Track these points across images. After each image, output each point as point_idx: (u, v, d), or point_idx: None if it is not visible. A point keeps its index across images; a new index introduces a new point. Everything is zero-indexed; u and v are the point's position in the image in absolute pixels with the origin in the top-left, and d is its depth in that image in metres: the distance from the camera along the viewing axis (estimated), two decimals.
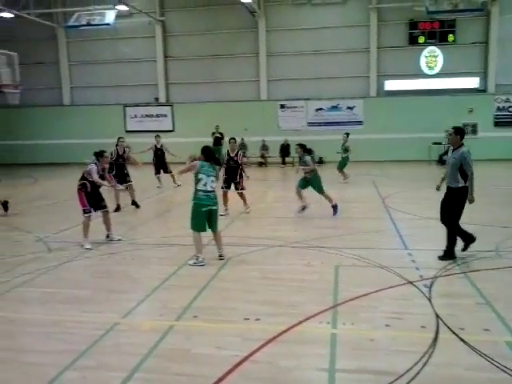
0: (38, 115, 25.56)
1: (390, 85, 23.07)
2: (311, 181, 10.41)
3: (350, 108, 23.49)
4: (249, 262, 7.16)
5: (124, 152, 12.22)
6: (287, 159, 22.77)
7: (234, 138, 10.97)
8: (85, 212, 8.32)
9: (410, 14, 22.06)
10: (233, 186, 10.78)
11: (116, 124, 24.98)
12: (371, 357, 4.24)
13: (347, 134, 16.23)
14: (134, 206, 11.81)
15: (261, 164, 23.13)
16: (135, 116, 25.36)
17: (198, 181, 6.98)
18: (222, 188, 10.51)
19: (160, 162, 15.28)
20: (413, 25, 22.54)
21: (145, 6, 22.55)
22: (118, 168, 12.01)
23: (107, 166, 9.16)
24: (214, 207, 7.09)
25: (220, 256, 7.22)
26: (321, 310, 5.21)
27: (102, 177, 8.59)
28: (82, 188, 8.30)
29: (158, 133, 16.95)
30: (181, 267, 6.90)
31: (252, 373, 4.02)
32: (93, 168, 8.31)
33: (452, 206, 6.88)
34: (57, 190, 14.88)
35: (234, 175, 10.66)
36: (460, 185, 6.80)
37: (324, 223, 9.83)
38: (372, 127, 22.70)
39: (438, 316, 4.97)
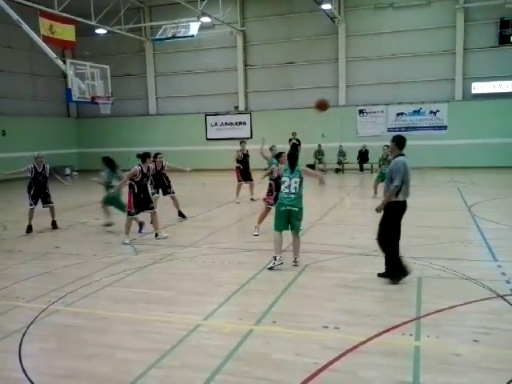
0: (126, 124, 27.08)
1: (478, 87, 21.88)
2: (114, 197, 10.24)
3: (433, 112, 22.58)
4: (327, 269, 7.11)
5: (162, 167, 11.30)
6: (365, 165, 22.29)
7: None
8: (128, 214, 9.05)
9: (501, 12, 20.86)
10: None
11: (198, 132, 25.90)
12: (458, 373, 4.05)
13: (387, 146, 14.99)
14: (180, 217, 11.42)
15: (338, 170, 22.86)
16: (215, 124, 26.09)
17: (282, 183, 7.25)
18: (269, 204, 9.28)
19: (246, 169, 14.43)
20: (504, 23, 21.20)
21: (227, 17, 23.14)
22: (157, 181, 11.24)
23: (151, 165, 9.73)
24: (294, 208, 7.12)
25: (294, 262, 7.25)
26: (403, 321, 5.05)
27: (146, 175, 9.23)
28: (129, 189, 9.00)
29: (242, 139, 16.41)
30: (259, 272, 6.99)
31: (331, 382, 3.99)
32: (133, 168, 9.04)
33: (386, 223, 6.27)
34: None
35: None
36: (393, 198, 6.09)
37: (405, 232, 9.48)
38: (457, 132, 21.68)
39: None
